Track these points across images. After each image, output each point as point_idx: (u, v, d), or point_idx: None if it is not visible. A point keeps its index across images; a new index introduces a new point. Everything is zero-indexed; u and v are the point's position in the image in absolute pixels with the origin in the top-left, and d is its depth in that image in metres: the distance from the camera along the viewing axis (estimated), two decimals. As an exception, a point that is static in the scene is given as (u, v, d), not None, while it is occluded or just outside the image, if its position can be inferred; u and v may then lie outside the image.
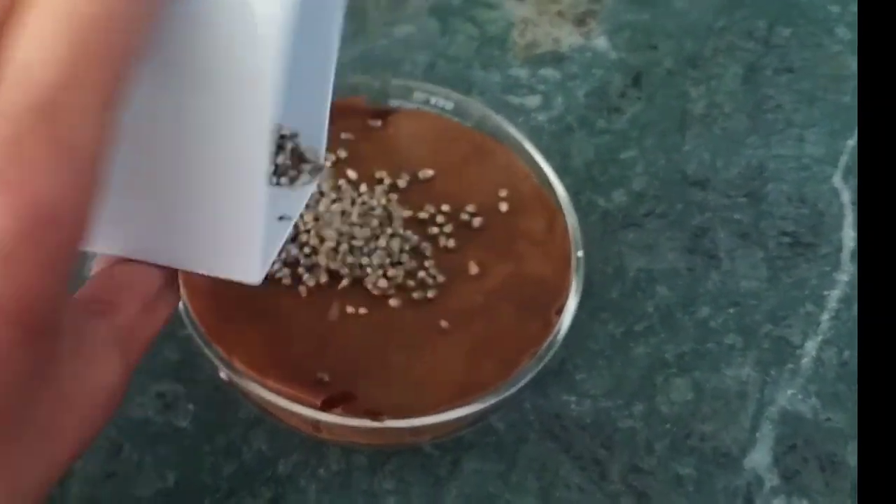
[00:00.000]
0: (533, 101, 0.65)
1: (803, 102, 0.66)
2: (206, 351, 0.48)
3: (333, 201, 0.55)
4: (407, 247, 0.54)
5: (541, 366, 0.49)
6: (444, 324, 0.51)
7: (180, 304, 0.49)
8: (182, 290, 0.49)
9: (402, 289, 0.52)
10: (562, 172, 0.57)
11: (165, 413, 0.51)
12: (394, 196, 0.55)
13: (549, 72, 0.66)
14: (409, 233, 0.54)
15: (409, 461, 0.50)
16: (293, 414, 0.47)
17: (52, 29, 0.25)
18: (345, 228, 0.54)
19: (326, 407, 0.47)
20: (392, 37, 0.68)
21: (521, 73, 0.66)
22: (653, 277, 0.57)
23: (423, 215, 0.55)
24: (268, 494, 0.49)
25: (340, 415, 0.47)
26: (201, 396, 0.51)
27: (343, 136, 0.57)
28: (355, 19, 0.68)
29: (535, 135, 0.60)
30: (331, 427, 0.47)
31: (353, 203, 0.55)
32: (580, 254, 0.52)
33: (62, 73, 0.25)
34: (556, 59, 0.67)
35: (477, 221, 0.55)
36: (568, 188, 0.55)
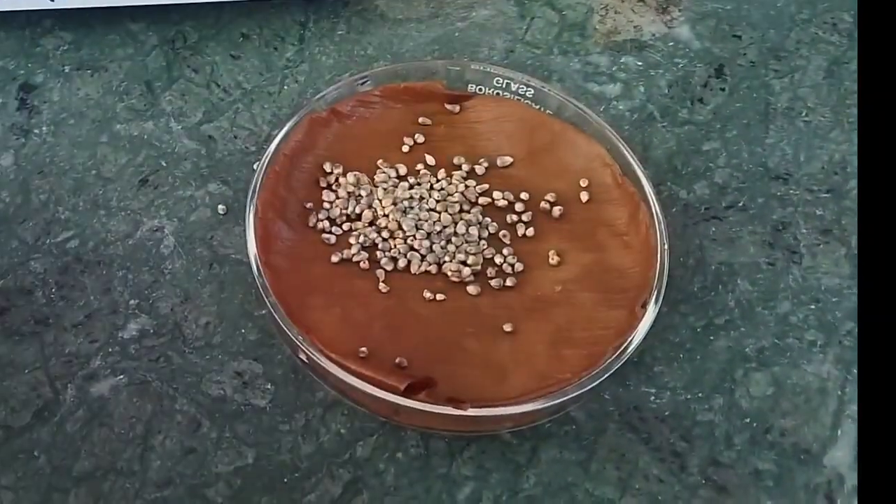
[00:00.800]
0: (613, 89, 0.64)
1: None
2: (287, 331, 0.48)
3: (411, 186, 0.55)
4: (486, 234, 0.53)
5: (624, 359, 0.48)
6: (522, 312, 0.51)
7: (259, 284, 0.49)
8: (263, 270, 0.49)
9: (480, 276, 0.52)
10: (643, 163, 0.56)
11: (243, 391, 0.51)
12: (472, 182, 0.55)
13: (630, 60, 0.66)
14: (487, 220, 0.54)
15: (487, 448, 0.50)
16: (375, 398, 0.47)
17: None
18: (423, 214, 0.53)
19: (409, 393, 0.47)
20: (469, 20, 0.67)
21: (602, 60, 0.65)
22: (734, 271, 0.56)
23: (501, 203, 0.55)
24: (346, 476, 0.49)
25: (424, 401, 0.47)
26: (279, 376, 0.51)
27: (421, 120, 0.57)
28: (432, 0, 0.68)
29: (615, 124, 0.60)
30: (411, 413, 0.47)
31: (430, 188, 0.55)
32: (666, 246, 0.52)
33: None
34: (638, 46, 0.66)
35: (557, 210, 0.54)
36: (650, 179, 0.54)
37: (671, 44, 0.67)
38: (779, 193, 0.60)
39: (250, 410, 0.50)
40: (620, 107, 0.63)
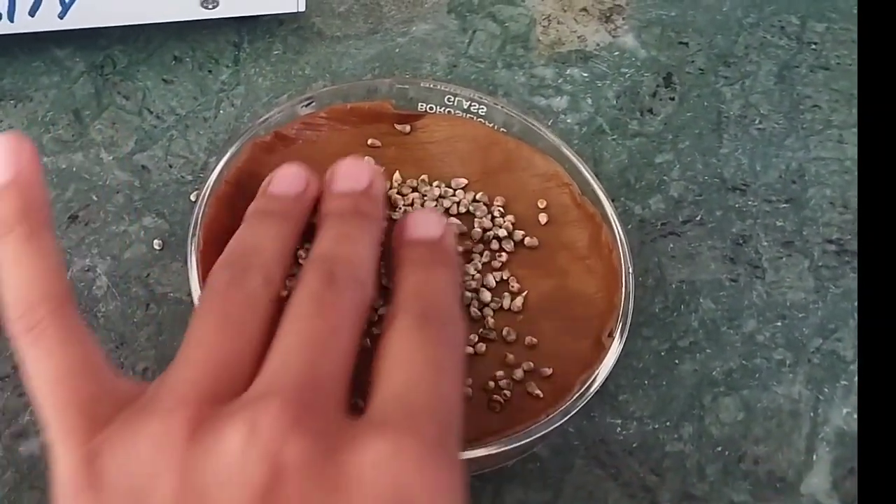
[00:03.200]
0: (560, 102, 0.62)
1: (841, 102, 0.63)
2: None
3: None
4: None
5: (592, 393, 0.46)
6: (481, 344, 0.48)
7: None
8: None
9: None
10: (595, 178, 0.54)
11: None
12: (427, 206, 0.53)
13: (575, 71, 0.63)
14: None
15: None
16: None
17: (429, 380, 0.36)
18: None
19: None
20: (409, 35, 0.65)
21: (547, 72, 0.63)
22: (695, 289, 0.54)
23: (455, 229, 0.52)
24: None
25: None
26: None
27: (370, 142, 0.54)
28: (370, 16, 0.65)
29: (564, 138, 0.58)
30: None
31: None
32: (631, 269, 0.49)
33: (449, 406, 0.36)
34: (583, 57, 0.64)
35: (515, 234, 0.52)
36: (609, 198, 0.52)
37: (616, 53, 0.65)
38: (737, 205, 0.58)
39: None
40: (569, 120, 0.61)
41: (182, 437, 0.33)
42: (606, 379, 0.46)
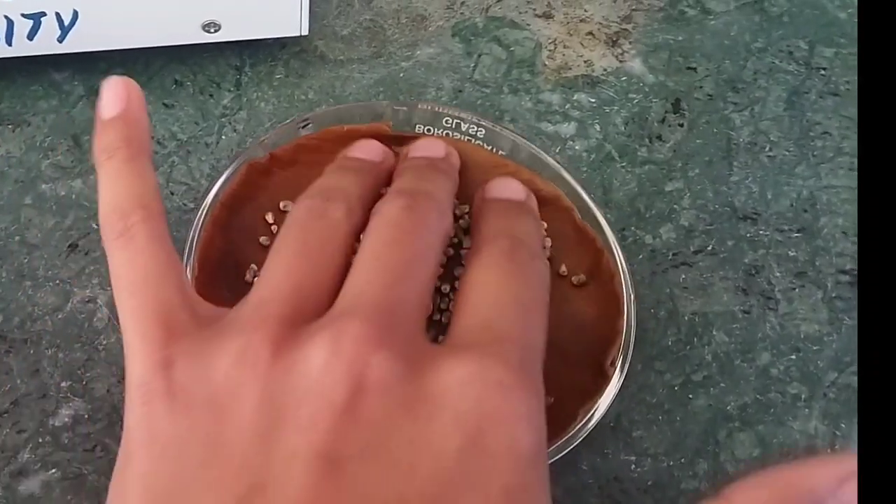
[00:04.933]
0: (568, 128, 0.61)
1: (852, 129, 0.62)
2: None
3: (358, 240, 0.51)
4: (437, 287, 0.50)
5: (595, 423, 0.45)
6: None
7: None
8: None
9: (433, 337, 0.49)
10: (604, 206, 0.54)
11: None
12: None
13: (582, 97, 0.63)
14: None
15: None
16: None
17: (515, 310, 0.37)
18: None
19: None
20: (414, 59, 0.64)
21: (554, 98, 0.62)
22: (708, 321, 0.54)
23: (451, 251, 0.51)
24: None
25: None
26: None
27: None
28: (374, 40, 0.64)
29: (572, 165, 0.57)
30: None
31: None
32: (633, 296, 0.49)
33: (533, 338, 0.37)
34: (590, 82, 0.63)
35: None
36: (612, 224, 0.51)
37: (624, 78, 0.64)
38: (748, 235, 0.57)
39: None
40: (577, 147, 0.60)
41: (264, 353, 0.33)
42: (613, 410, 0.46)
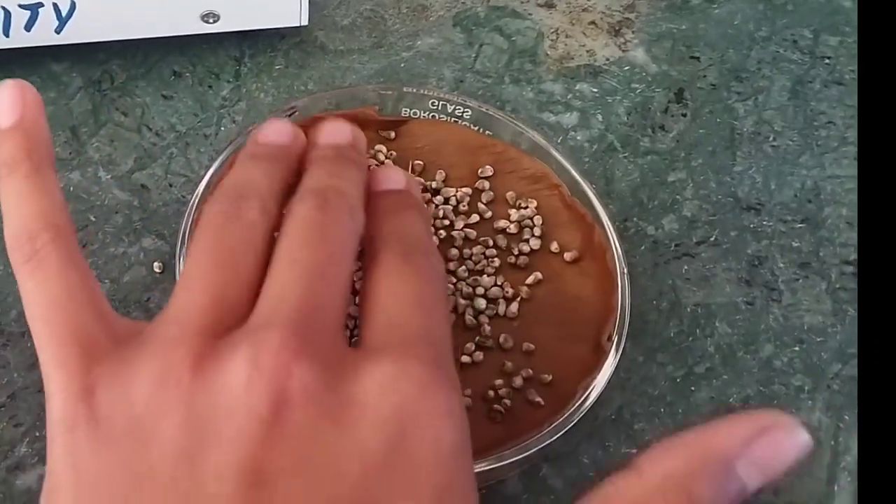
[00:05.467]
0: (570, 118, 0.60)
1: (856, 118, 0.61)
2: None
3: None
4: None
5: (594, 399, 0.45)
6: (478, 353, 0.47)
7: None
8: None
9: None
10: (607, 197, 0.54)
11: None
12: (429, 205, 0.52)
13: (585, 87, 0.62)
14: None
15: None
16: None
17: (421, 310, 0.37)
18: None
19: None
20: (414, 49, 0.64)
21: (556, 88, 0.62)
22: (711, 313, 0.53)
23: (443, 233, 0.51)
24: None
25: None
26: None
27: None
28: (374, 30, 0.64)
29: (575, 155, 0.57)
30: None
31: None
32: (626, 270, 0.48)
33: (442, 334, 0.37)
34: (592, 72, 0.63)
35: (505, 238, 0.50)
36: (615, 215, 0.51)
37: (627, 68, 0.63)
38: (752, 225, 0.56)
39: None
40: (578, 137, 0.59)
41: (184, 371, 0.32)
42: (615, 403, 0.46)
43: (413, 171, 0.53)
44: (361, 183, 0.41)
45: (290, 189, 0.41)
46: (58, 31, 0.57)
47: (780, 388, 0.51)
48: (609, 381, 0.46)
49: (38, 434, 0.47)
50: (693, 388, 0.51)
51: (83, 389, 0.33)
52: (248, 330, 0.34)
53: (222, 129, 0.58)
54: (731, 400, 0.50)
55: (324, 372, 0.33)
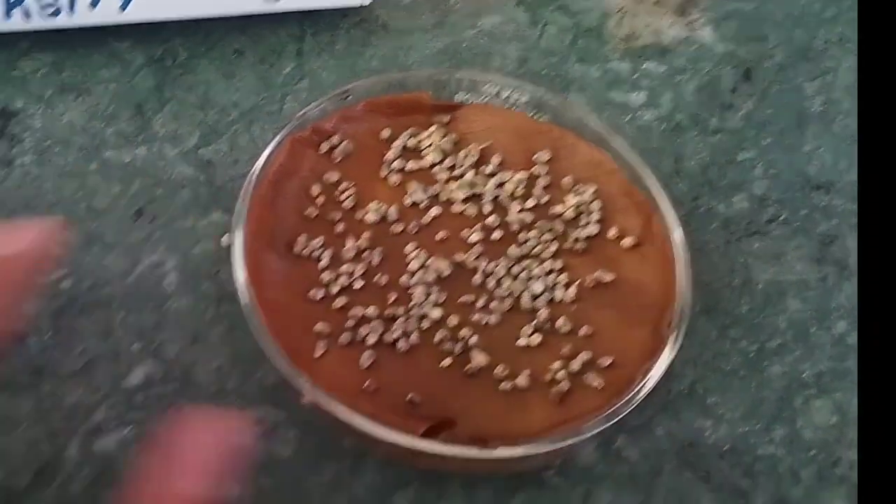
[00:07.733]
0: (638, 98, 0.60)
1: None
2: (280, 367, 0.44)
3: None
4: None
5: (655, 381, 0.45)
6: (535, 336, 0.47)
7: (250, 322, 0.45)
8: (256, 306, 0.44)
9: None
10: (677, 176, 0.53)
11: (264, 441, 0.46)
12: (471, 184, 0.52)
13: (652, 66, 0.62)
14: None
15: (536, 496, 0.45)
16: (389, 445, 0.43)
17: None
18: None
19: (428, 436, 0.43)
20: (478, 28, 0.63)
21: (623, 67, 0.61)
22: (782, 290, 0.53)
23: (496, 219, 0.51)
24: (385, 532, 0.44)
25: (444, 443, 0.43)
26: (303, 422, 0.47)
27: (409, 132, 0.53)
28: (436, 8, 0.63)
29: (643, 134, 0.56)
30: (431, 457, 0.43)
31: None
32: (688, 256, 0.48)
33: None
34: (659, 51, 0.62)
35: (562, 224, 0.50)
36: (685, 194, 0.51)
37: (694, 47, 0.63)
38: (822, 204, 0.56)
39: (273, 462, 0.46)
40: (647, 116, 0.59)
41: None
42: (688, 378, 0.46)
43: (469, 154, 0.52)
44: None
45: None
46: (122, 8, 0.57)
47: (853, 365, 0.50)
48: (668, 367, 0.46)
49: (113, 400, 0.47)
50: (766, 363, 0.50)
51: None
52: None
53: (285, 106, 0.58)
54: (803, 375, 0.50)
55: None
